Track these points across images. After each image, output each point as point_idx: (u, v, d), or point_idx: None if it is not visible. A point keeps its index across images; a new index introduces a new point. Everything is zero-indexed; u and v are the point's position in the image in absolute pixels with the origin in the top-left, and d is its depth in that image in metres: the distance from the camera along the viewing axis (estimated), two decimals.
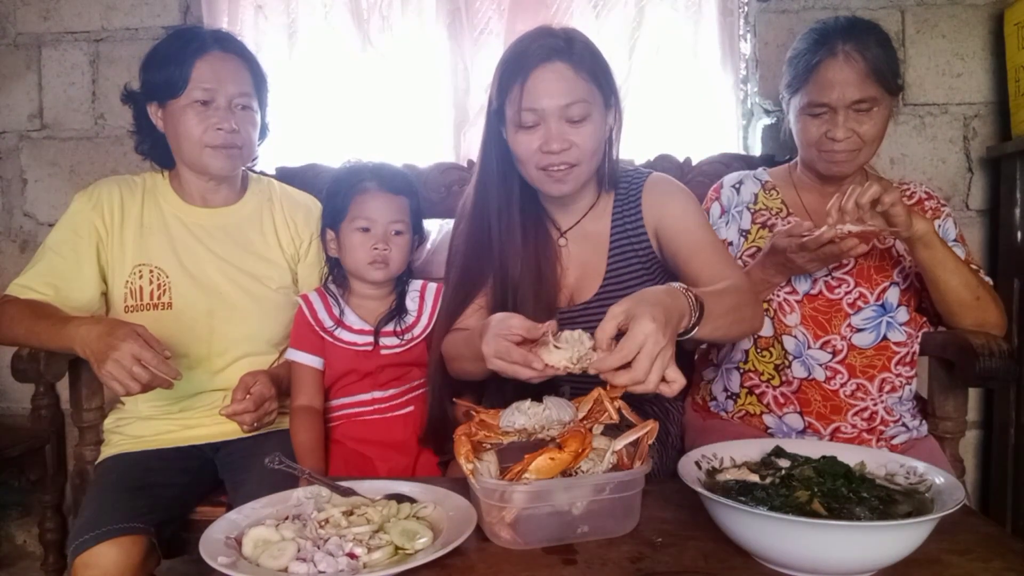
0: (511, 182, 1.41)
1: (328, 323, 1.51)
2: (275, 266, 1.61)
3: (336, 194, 1.54)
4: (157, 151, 1.59)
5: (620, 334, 0.96)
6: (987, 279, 1.48)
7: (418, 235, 1.61)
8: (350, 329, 1.52)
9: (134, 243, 1.53)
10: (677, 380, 0.96)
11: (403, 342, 1.53)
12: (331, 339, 1.51)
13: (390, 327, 1.53)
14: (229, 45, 1.54)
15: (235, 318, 1.54)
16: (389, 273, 1.52)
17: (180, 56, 1.48)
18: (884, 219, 1.34)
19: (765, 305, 1.51)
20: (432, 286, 1.59)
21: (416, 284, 1.60)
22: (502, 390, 1.30)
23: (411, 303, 1.57)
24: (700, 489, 0.89)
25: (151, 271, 1.52)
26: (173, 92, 1.48)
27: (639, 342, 0.93)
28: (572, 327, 1.37)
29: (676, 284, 1.08)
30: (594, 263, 1.44)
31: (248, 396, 1.39)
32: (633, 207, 1.43)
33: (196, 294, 1.53)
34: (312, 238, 1.64)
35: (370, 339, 1.52)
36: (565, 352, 1.01)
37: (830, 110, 1.43)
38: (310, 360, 1.51)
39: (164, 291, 1.51)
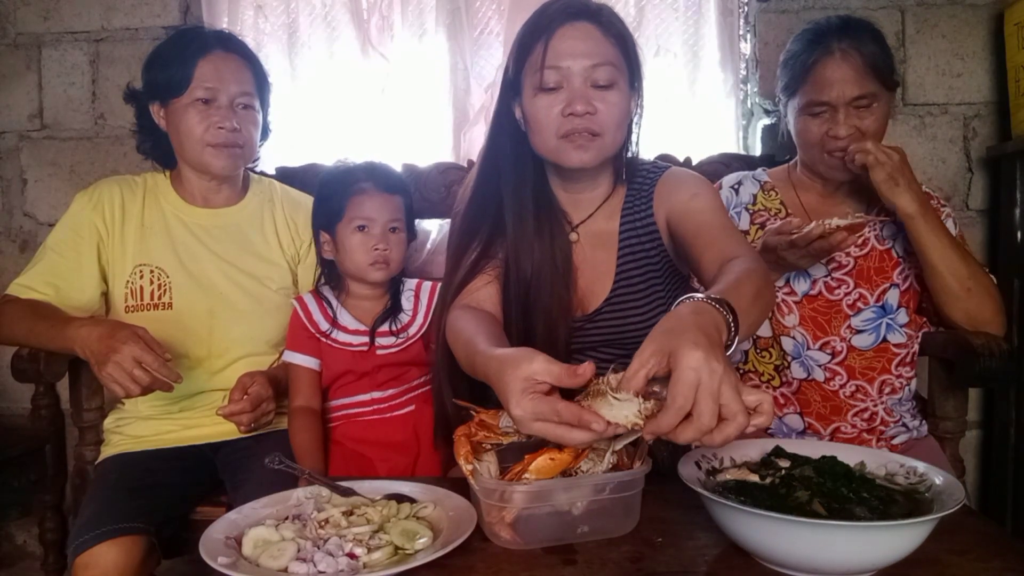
0: (524, 165, 1.32)
1: (323, 325, 1.51)
2: (275, 267, 1.61)
3: (330, 196, 1.52)
4: (159, 151, 1.59)
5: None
6: (991, 276, 1.47)
7: (410, 233, 1.59)
8: (345, 330, 1.52)
9: (135, 243, 1.53)
10: (764, 402, 0.79)
11: (399, 341, 1.52)
12: (326, 340, 1.51)
13: (385, 327, 1.53)
14: (232, 45, 1.54)
15: (235, 318, 1.54)
16: (390, 272, 1.51)
17: (183, 55, 1.49)
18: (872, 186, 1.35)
19: None
20: (427, 284, 1.59)
21: (411, 283, 1.59)
22: None
23: (406, 302, 1.56)
24: (700, 489, 0.89)
25: (151, 271, 1.52)
26: (176, 91, 1.49)
27: (691, 380, 0.76)
28: (582, 338, 1.35)
29: (695, 296, 0.89)
30: (604, 264, 1.35)
31: (245, 397, 1.39)
32: (644, 202, 1.35)
33: (196, 294, 1.53)
34: (312, 239, 1.64)
35: (366, 339, 1.51)
36: (631, 404, 0.81)
37: (830, 108, 1.43)
38: (306, 361, 1.51)
39: (164, 291, 1.51)
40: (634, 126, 1.34)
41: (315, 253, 1.64)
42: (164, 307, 1.51)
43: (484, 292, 1.29)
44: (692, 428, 0.76)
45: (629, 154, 1.37)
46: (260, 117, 1.59)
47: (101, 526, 1.23)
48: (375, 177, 1.51)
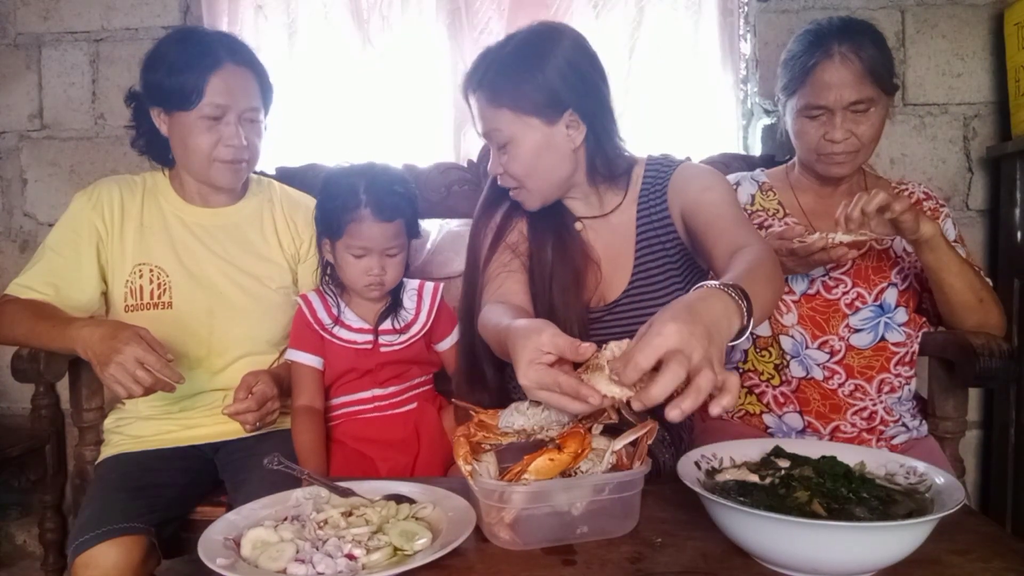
0: None
1: (327, 321, 1.52)
2: (275, 266, 1.61)
3: (331, 211, 1.49)
4: (155, 150, 1.57)
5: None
6: (987, 280, 1.48)
7: (414, 237, 1.58)
8: (349, 328, 1.52)
9: (134, 242, 1.53)
10: (729, 379, 0.78)
11: (402, 339, 1.54)
12: (330, 337, 1.51)
13: (388, 324, 1.53)
14: (240, 56, 1.50)
15: (235, 318, 1.54)
16: (384, 291, 1.53)
17: (193, 67, 1.44)
18: (892, 225, 1.33)
19: None
20: (429, 285, 1.60)
21: (413, 283, 1.60)
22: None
23: (408, 301, 1.57)
24: (700, 489, 0.89)
25: (151, 270, 1.52)
26: (184, 105, 1.45)
27: (656, 344, 0.77)
28: (601, 329, 1.36)
29: (708, 283, 0.90)
30: (622, 256, 1.39)
31: (251, 396, 1.39)
32: (659, 195, 1.38)
33: (196, 294, 1.52)
34: (312, 240, 1.64)
35: (369, 337, 1.52)
36: None
37: (827, 112, 1.43)
38: (310, 360, 1.51)
39: (164, 290, 1.51)
40: (598, 131, 1.33)
41: (314, 253, 1.63)
42: (164, 307, 1.51)
43: (506, 287, 1.33)
44: (647, 396, 0.77)
45: (620, 150, 1.39)
46: (264, 125, 1.56)
47: (101, 526, 1.23)
48: (374, 203, 1.45)
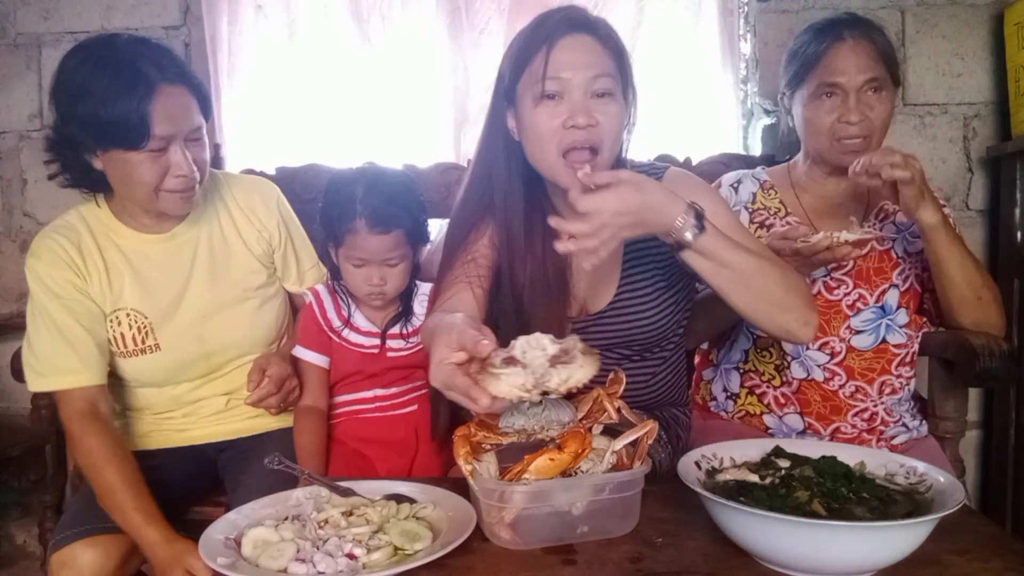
0: (515, 175, 1.29)
1: (336, 323, 1.52)
2: (248, 270, 1.52)
3: (331, 219, 1.47)
4: (89, 182, 1.38)
5: None
6: (990, 279, 1.47)
7: (421, 243, 1.56)
8: (357, 331, 1.52)
9: (101, 289, 1.40)
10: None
11: (409, 345, 1.53)
12: (338, 340, 1.51)
13: (396, 329, 1.53)
14: (171, 72, 1.29)
15: (226, 333, 1.48)
16: (386, 299, 1.51)
17: (128, 100, 1.24)
18: (893, 196, 1.34)
19: None
20: None
21: (425, 287, 1.58)
22: None
23: (419, 307, 1.56)
24: (700, 489, 0.89)
25: (128, 315, 1.41)
26: (129, 144, 1.26)
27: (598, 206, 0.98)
28: (586, 338, 1.34)
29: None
30: (608, 268, 1.33)
31: (268, 379, 1.37)
32: None
33: (181, 328, 1.44)
34: (279, 224, 1.55)
35: (377, 341, 1.52)
36: (514, 377, 0.85)
37: (841, 93, 1.42)
38: (316, 359, 1.51)
39: (147, 334, 1.42)
40: (625, 136, 1.32)
41: (287, 239, 1.56)
42: (152, 350, 1.42)
43: (457, 299, 1.25)
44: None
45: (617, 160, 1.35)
46: (206, 137, 1.38)
47: (80, 525, 1.23)
48: (369, 214, 1.42)
